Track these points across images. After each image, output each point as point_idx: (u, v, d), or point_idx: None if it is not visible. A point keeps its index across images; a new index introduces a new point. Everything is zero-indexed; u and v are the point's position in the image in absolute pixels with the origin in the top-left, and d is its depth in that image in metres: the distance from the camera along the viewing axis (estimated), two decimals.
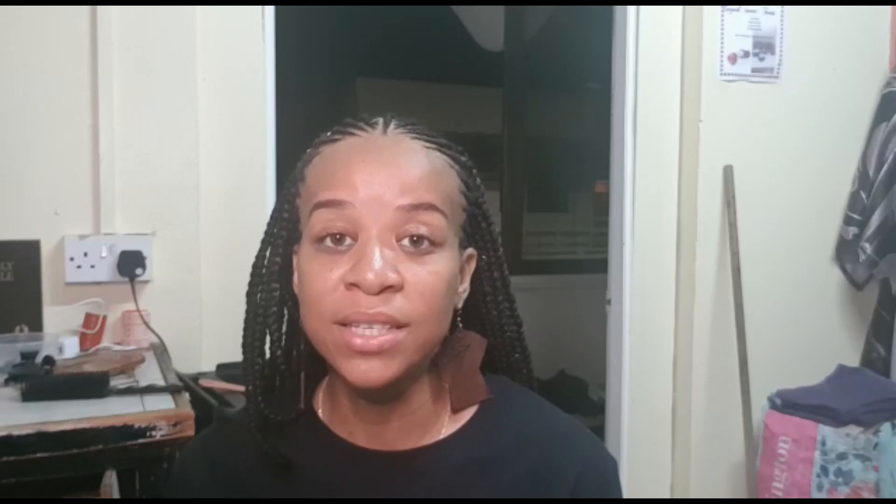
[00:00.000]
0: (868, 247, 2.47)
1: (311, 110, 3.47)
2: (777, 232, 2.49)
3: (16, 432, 1.15)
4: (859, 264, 2.49)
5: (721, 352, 2.43)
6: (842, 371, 2.39)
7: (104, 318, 1.79)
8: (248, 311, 0.72)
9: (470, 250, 0.71)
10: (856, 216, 2.50)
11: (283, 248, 0.70)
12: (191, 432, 1.23)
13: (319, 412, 0.73)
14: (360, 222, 0.63)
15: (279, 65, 2.04)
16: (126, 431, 1.21)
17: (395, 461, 0.69)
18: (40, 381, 1.37)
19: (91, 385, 1.35)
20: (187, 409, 1.28)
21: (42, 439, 1.16)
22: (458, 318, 0.72)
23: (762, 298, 2.44)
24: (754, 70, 2.42)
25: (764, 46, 2.42)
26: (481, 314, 0.75)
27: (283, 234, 0.70)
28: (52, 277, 1.79)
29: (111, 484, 1.18)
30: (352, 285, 0.61)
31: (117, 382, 1.41)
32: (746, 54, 2.40)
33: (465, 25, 3.89)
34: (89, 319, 1.77)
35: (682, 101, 2.41)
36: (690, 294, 2.42)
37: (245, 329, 0.72)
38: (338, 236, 0.63)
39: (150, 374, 1.54)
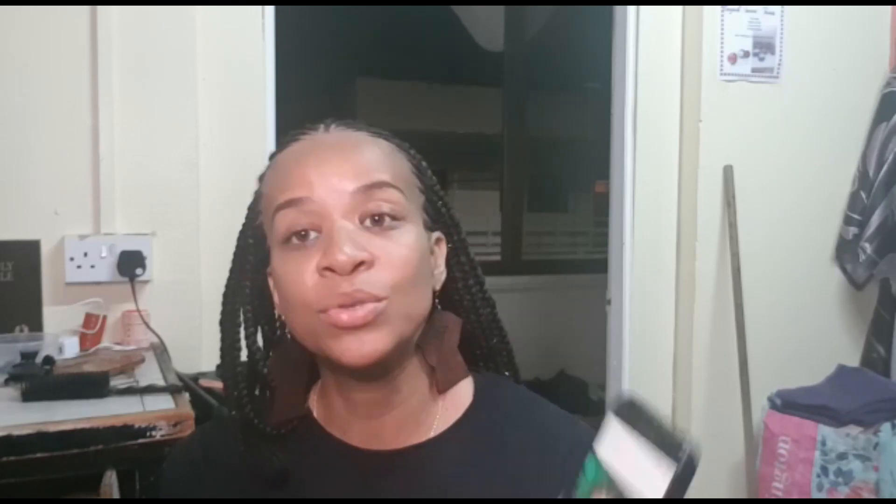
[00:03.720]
0: (868, 247, 2.47)
1: (311, 110, 3.47)
2: (777, 232, 2.49)
3: (16, 432, 1.15)
4: (859, 264, 2.49)
5: (721, 352, 2.43)
6: (842, 371, 2.39)
7: (104, 318, 1.79)
8: (223, 340, 0.73)
9: (438, 234, 0.73)
10: (856, 216, 2.50)
11: (251, 273, 0.72)
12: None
13: (314, 413, 0.74)
14: (322, 213, 0.64)
15: (279, 65, 2.04)
16: (126, 431, 1.21)
17: (390, 461, 0.69)
18: (40, 381, 1.37)
19: (91, 385, 1.35)
20: (187, 409, 1.28)
21: (42, 439, 1.16)
22: (437, 302, 0.73)
23: (762, 298, 2.44)
24: (754, 70, 2.42)
25: (764, 46, 2.42)
26: (454, 300, 0.76)
27: (251, 258, 0.72)
28: (52, 277, 1.79)
29: (111, 484, 1.18)
30: (325, 269, 0.63)
31: (117, 382, 1.41)
32: (746, 54, 2.40)
33: (465, 25, 3.89)
34: (89, 319, 1.77)
35: (682, 101, 2.41)
36: (690, 294, 2.42)
37: (223, 357, 0.73)
38: (303, 232, 0.65)
39: (150, 374, 1.54)
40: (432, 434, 0.71)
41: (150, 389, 1.38)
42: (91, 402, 1.29)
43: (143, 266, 1.82)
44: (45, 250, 1.79)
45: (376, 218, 0.65)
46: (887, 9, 2.57)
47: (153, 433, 1.22)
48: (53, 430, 1.17)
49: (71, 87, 1.80)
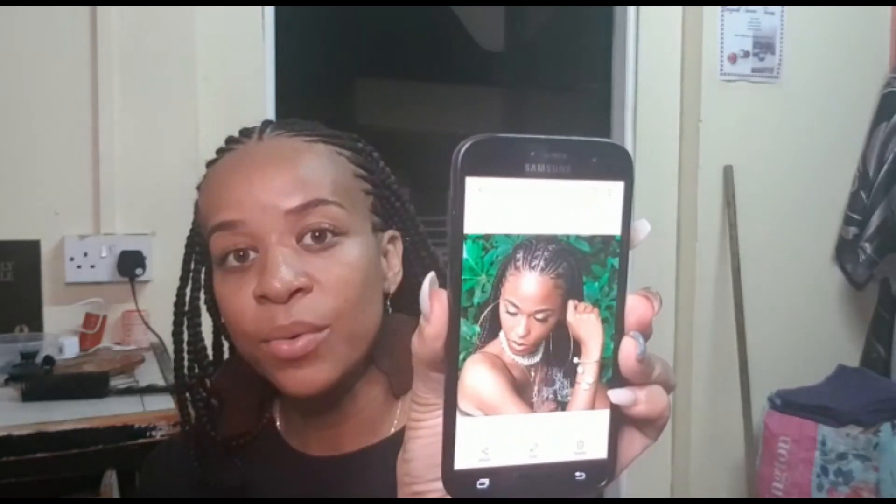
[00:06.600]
0: (868, 247, 2.47)
1: (311, 111, 3.47)
2: (777, 232, 2.49)
3: (16, 432, 1.15)
4: (859, 264, 2.49)
5: (721, 352, 2.43)
6: (842, 371, 2.39)
7: (104, 318, 1.79)
8: (175, 352, 0.72)
9: (391, 232, 0.70)
10: (856, 216, 2.50)
11: (201, 283, 0.71)
12: None
13: (278, 423, 0.73)
14: (256, 235, 0.62)
15: (279, 64, 2.04)
16: (126, 431, 1.21)
17: (345, 466, 0.67)
18: (40, 381, 1.37)
19: (91, 385, 1.35)
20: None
21: (42, 439, 1.16)
22: (388, 303, 0.71)
23: (762, 298, 2.44)
24: (754, 70, 2.42)
25: (764, 46, 2.42)
26: (415, 298, 0.74)
27: (201, 267, 0.71)
28: (52, 277, 1.79)
29: (111, 484, 1.18)
30: (262, 298, 0.60)
31: (117, 382, 1.41)
32: (746, 54, 2.40)
33: (465, 25, 3.89)
34: (89, 319, 1.77)
35: (682, 101, 2.41)
36: (690, 294, 2.42)
37: (174, 369, 0.72)
38: (240, 253, 0.63)
39: (150, 374, 1.53)
40: (389, 433, 0.68)
41: (150, 389, 1.38)
42: (91, 402, 1.29)
43: (143, 266, 1.82)
44: (45, 250, 1.79)
45: (316, 234, 0.62)
46: (887, 9, 2.57)
47: (153, 433, 1.22)
48: (53, 430, 1.17)
49: (71, 86, 1.79)
